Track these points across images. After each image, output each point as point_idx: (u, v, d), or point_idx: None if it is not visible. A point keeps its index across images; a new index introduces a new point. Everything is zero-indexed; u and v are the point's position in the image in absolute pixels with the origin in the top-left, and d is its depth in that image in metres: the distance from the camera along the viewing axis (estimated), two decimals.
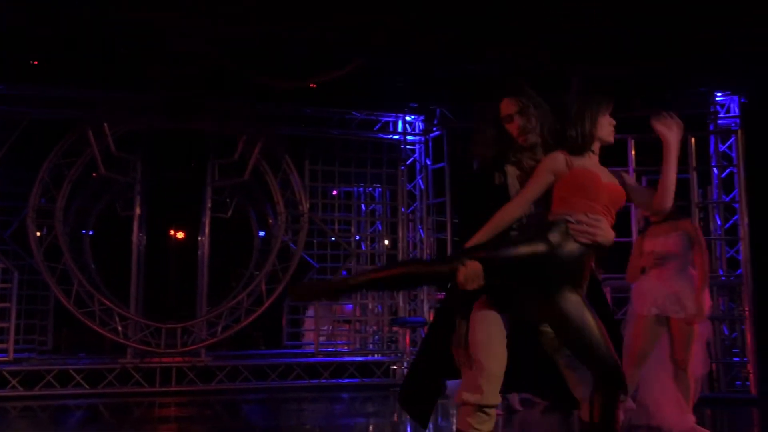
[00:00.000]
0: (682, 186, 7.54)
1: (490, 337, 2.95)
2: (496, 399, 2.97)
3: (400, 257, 9.08)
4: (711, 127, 8.01)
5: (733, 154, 7.78)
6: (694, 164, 7.56)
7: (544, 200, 3.01)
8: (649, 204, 3.17)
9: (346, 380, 8.48)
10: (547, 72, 7.07)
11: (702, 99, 7.98)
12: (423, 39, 6.59)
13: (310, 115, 8.88)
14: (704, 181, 7.87)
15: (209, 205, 8.78)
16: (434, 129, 8.98)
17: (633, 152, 7.72)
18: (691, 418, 5.02)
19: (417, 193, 9.28)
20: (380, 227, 9.51)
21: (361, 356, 8.87)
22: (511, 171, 3.09)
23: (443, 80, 7.85)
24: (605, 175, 3.01)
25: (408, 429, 6.22)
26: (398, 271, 2.94)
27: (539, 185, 2.97)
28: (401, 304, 9.03)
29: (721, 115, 8.01)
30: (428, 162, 9.13)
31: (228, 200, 9.29)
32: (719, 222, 7.84)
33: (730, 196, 7.76)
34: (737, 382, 7.50)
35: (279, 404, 7.75)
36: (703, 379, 6.14)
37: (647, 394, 5.21)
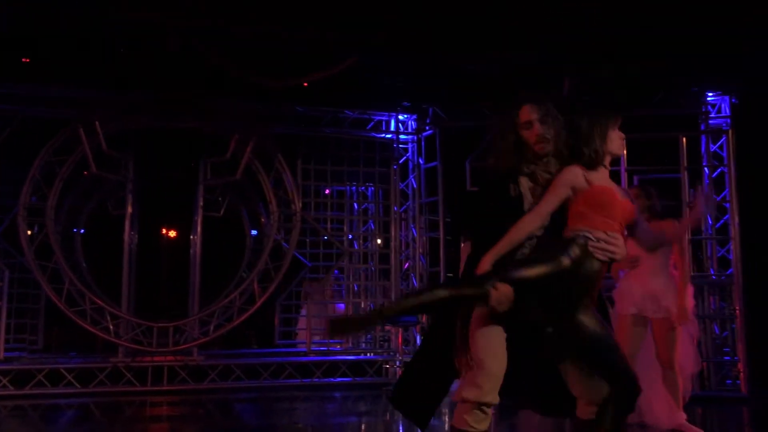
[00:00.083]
0: (673, 185, 7.59)
1: (491, 338, 2.96)
2: (495, 398, 2.97)
3: (392, 256, 9.09)
4: (702, 127, 8.05)
5: (724, 154, 7.83)
6: (685, 164, 7.60)
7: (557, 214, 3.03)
8: (632, 230, 3.22)
9: (339, 379, 8.48)
10: (540, 72, 7.10)
11: (693, 99, 8.03)
12: (418, 38, 6.61)
13: (302, 114, 8.87)
14: (695, 180, 7.91)
15: (201, 203, 8.77)
16: (427, 128, 8.99)
17: (625, 152, 7.73)
18: (682, 416, 5.05)
19: (409, 192, 9.29)
20: (373, 226, 9.51)
21: (353, 355, 8.87)
22: (524, 183, 3.10)
23: (436, 79, 7.87)
24: (619, 191, 3.08)
25: (400, 428, 6.23)
26: (429, 298, 2.91)
27: (556, 198, 2.99)
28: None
29: (712, 115, 8.05)
30: (421, 161, 9.14)
31: (220, 199, 9.28)
32: (710, 221, 7.87)
33: (721, 195, 7.79)
34: (728, 381, 7.53)
35: (271, 403, 7.74)
36: (694, 377, 6.17)
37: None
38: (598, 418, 2.92)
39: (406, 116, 9.21)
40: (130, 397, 7.65)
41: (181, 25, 6.47)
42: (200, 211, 8.76)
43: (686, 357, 5.40)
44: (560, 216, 3.01)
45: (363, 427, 6.59)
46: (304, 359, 8.58)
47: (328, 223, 9.48)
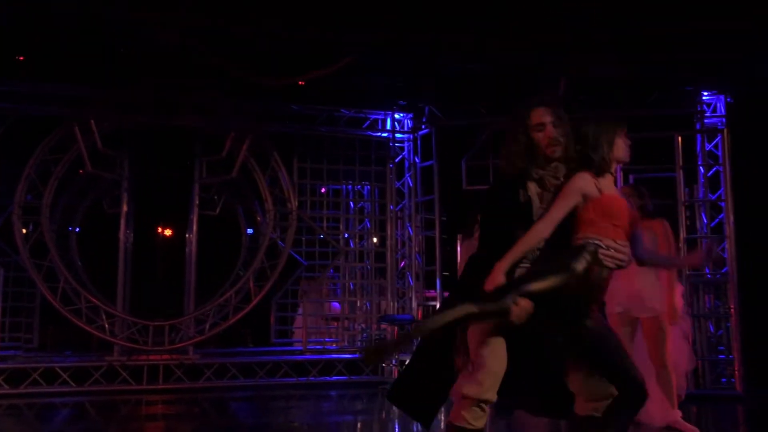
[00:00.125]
0: (669, 184, 7.61)
1: (490, 337, 2.98)
2: (494, 395, 2.99)
3: (388, 255, 9.10)
4: (698, 126, 8.07)
5: (719, 153, 7.85)
6: (680, 163, 7.62)
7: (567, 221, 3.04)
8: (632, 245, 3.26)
9: (335, 378, 8.49)
10: (535, 71, 7.11)
11: (689, 98, 8.05)
12: (414, 38, 6.61)
13: (298, 113, 8.87)
14: (690, 179, 7.94)
15: (197, 202, 8.76)
16: (423, 127, 8.99)
17: None
18: (677, 413, 5.07)
19: (405, 190, 9.29)
20: (369, 225, 9.51)
21: (349, 354, 8.87)
22: (533, 188, 3.10)
23: (432, 78, 7.87)
24: (624, 198, 3.13)
25: (396, 426, 6.23)
26: (453, 317, 2.89)
27: (568, 205, 2.99)
28: (389, 301, 9.04)
29: (707, 115, 8.07)
30: (417, 160, 9.14)
31: (216, 197, 9.26)
32: (705, 220, 7.91)
33: (716, 194, 7.83)
34: (723, 380, 7.57)
35: (267, 402, 7.74)
36: (688, 375, 6.19)
37: None
38: (604, 421, 2.94)
39: (402, 115, 9.22)
40: (126, 396, 7.65)
41: (179, 24, 6.47)
42: (196, 210, 8.75)
43: (680, 355, 5.42)
44: (561, 223, 3.01)
45: (359, 425, 6.59)
46: (300, 358, 8.58)
47: (324, 221, 9.47)
